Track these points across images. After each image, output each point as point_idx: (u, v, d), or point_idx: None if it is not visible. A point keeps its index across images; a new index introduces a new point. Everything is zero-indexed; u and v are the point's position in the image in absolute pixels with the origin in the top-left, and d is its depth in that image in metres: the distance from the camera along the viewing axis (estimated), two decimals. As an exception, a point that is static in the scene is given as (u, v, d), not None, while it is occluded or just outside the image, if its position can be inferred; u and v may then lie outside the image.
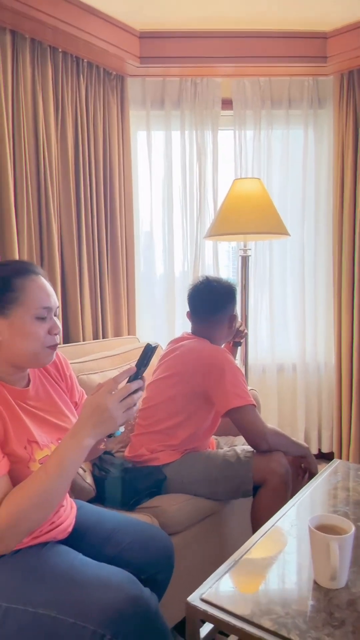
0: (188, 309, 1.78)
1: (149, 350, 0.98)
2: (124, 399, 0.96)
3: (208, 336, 1.72)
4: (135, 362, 0.98)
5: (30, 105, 2.08)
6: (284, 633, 0.82)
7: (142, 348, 1.00)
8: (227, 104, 2.66)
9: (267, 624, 0.84)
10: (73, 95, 2.25)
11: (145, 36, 2.43)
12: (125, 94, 2.47)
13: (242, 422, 1.55)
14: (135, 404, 0.98)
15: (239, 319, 1.95)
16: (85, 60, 2.28)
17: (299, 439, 2.74)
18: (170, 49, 2.45)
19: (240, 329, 1.92)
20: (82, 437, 0.95)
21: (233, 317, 1.75)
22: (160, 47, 2.45)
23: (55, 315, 1.08)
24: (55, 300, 1.08)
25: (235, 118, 2.64)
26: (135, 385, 0.97)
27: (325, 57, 2.56)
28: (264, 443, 1.54)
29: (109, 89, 2.41)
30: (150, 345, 0.97)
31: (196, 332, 1.75)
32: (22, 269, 1.05)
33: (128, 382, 0.98)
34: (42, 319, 1.03)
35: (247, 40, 2.49)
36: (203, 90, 2.59)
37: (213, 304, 1.70)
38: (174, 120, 2.61)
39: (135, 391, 0.98)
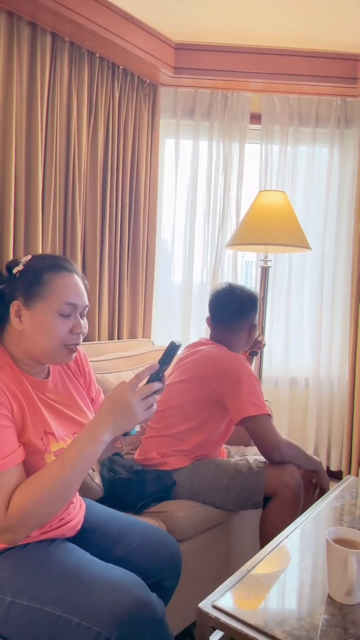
0: (208, 315, 1.77)
1: (172, 349, 0.96)
2: (145, 397, 0.96)
3: (227, 343, 1.71)
4: (158, 360, 0.97)
5: (65, 106, 2.12)
6: (297, 645, 0.80)
7: (165, 347, 0.98)
8: (255, 118, 2.69)
9: (280, 635, 0.82)
10: (107, 100, 2.29)
11: (181, 47, 2.47)
12: (157, 102, 2.51)
13: (256, 431, 1.53)
14: (154, 404, 0.98)
15: (258, 329, 1.94)
16: (121, 67, 2.33)
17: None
18: (204, 62, 2.49)
19: (259, 339, 1.91)
20: (100, 431, 0.94)
21: (253, 326, 1.74)
22: (194, 58, 2.49)
23: (82, 316, 1.07)
24: (85, 301, 1.06)
25: (263, 132, 2.67)
26: (157, 385, 0.97)
27: (355, 78, 2.58)
28: (277, 454, 1.52)
29: (142, 97, 2.45)
30: (174, 343, 0.96)
31: (215, 338, 1.75)
32: (54, 265, 1.05)
33: (149, 381, 0.97)
34: (65, 316, 1.02)
35: (278, 57, 2.53)
36: (233, 103, 2.62)
37: (235, 310, 1.69)
38: (203, 130, 2.64)
39: (156, 391, 0.98)
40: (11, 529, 0.93)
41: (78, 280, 1.07)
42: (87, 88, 2.20)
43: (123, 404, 0.94)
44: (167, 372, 1.82)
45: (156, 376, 0.97)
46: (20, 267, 1.05)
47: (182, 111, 2.62)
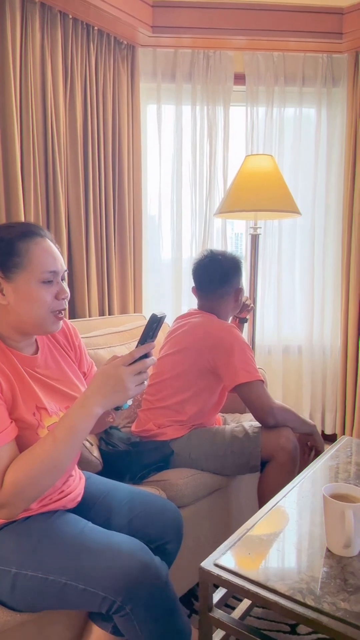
0: (193, 284, 1.76)
1: (154, 321, 0.93)
2: (138, 373, 0.95)
3: (214, 311, 1.70)
4: (141, 335, 0.95)
5: (39, 72, 2.03)
6: (299, 598, 0.82)
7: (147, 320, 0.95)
8: (239, 79, 2.60)
9: (281, 588, 0.84)
10: (83, 64, 2.19)
11: (158, 5, 2.36)
12: (135, 65, 2.42)
13: (249, 398, 1.54)
14: (146, 380, 0.97)
15: (246, 294, 1.93)
16: (96, 27, 2.22)
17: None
18: (183, 19, 2.39)
19: (246, 303, 1.91)
20: (92, 405, 0.93)
21: (239, 291, 1.73)
22: (173, 16, 2.39)
23: (63, 280, 1.05)
24: (62, 264, 1.05)
25: (248, 94, 2.59)
26: (149, 362, 0.95)
27: (340, 33, 2.50)
28: (271, 418, 1.53)
29: (120, 59, 2.36)
30: (156, 315, 0.93)
31: (202, 307, 1.74)
32: (26, 232, 1.02)
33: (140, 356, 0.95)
34: (48, 282, 1.01)
35: (261, 12, 2.43)
36: (215, 63, 2.53)
37: (219, 276, 1.68)
38: (185, 94, 2.56)
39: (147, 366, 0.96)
40: (7, 504, 0.92)
41: (51, 244, 1.04)
42: (61, 51, 2.10)
43: (115, 379, 0.93)
44: (156, 347, 1.83)
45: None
46: None
47: (163, 74, 2.53)
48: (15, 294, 0.99)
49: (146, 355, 0.95)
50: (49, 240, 1.04)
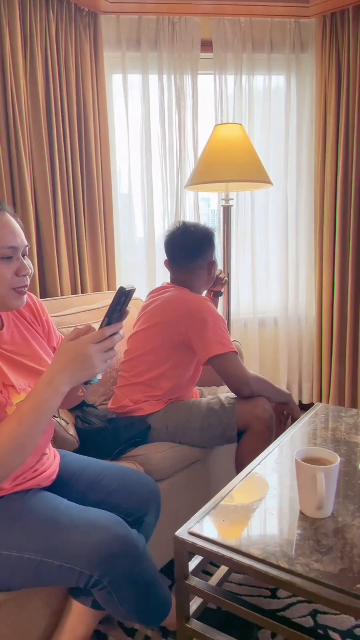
0: (166, 257, 1.73)
1: (123, 295, 0.89)
2: (107, 350, 0.92)
3: (187, 284, 1.68)
4: (109, 308, 0.91)
5: (-4, 41, 1.93)
6: (272, 560, 0.83)
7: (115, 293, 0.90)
8: (206, 45, 2.53)
9: (255, 552, 0.85)
10: (42, 33, 2.09)
11: (119, -32, 2.26)
12: (98, 33, 2.32)
13: (224, 369, 1.54)
14: (114, 356, 0.95)
15: (220, 267, 1.91)
16: (54, -7, 2.12)
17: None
18: (146, -17, 2.30)
19: (220, 276, 1.89)
20: (59, 383, 0.90)
21: (212, 264, 1.71)
22: (135, -20, 2.29)
23: (24, 256, 1.01)
24: (23, 239, 1.01)
25: (215, 61, 2.52)
26: (117, 338, 0.92)
27: (308, -3, 2.44)
28: (246, 388, 1.54)
29: (82, 27, 2.26)
30: (124, 288, 0.88)
31: (175, 280, 1.71)
32: None
33: (100, 327, 0.92)
34: (7, 259, 0.97)
35: (227, -24, 2.35)
36: (182, 30, 2.45)
37: (191, 249, 1.65)
38: (151, 62, 2.47)
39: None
40: None
41: (10, 218, 0.99)
42: (19, 21, 1.99)
43: (84, 356, 0.90)
44: (130, 323, 1.79)
45: (107, 324, 0.92)
46: None
47: (127, 42, 2.43)
48: None
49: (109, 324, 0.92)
50: (8, 215, 1.00)
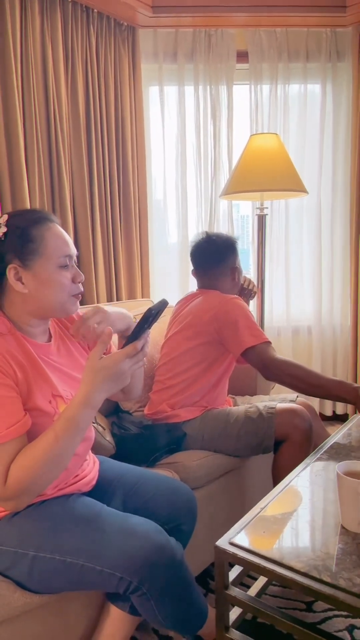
0: (192, 268, 1.77)
1: (150, 315, 0.95)
2: (137, 362, 0.97)
3: (214, 289, 1.72)
4: (137, 325, 0.96)
5: (40, 56, 2.00)
6: (315, 574, 0.82)
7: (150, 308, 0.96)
8: (242, 56, 2.55)
9: (297, 565, 0.84)
10: (83, 47, 2.16)
11: (158, -16, 2.31)
12: (136, 46, 2.37)
13: (261, 360, 1.50)
14: (144, 364, 1.00)
15: (245, 276, 1.93)
16: (95, 10, 2.18)
17: (315, 402, 2.74)
18: (183, -3, 2.34)
19: (249, 287, 1.90)
20: (96, 401, 0.95)
21: (235, 269, 1.74)
22: (173, -5, 2.33)
23: (75, 264, 1.07)
24: (74, 248, 1.07)
25: (251, 71, 2.54)
26: (147, 347, 0.98)
27: (344, 6, 2.43)
28: (286, 378, 1.48)
29: (120, 41, 2.32)
30: (152, 310, 0.94)
31: (202, 287, 1.76)
32: (38, 218, 1.02)
33: (127, 343, 0.96)
34: (64, 267, 1.02)
35: (262, -13, 2.37)
36: (217, 42, 2.48)
37: (214, 256, 1.70)
38: (187, 74, 2.51)
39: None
40: (12, 498, 0.94)
41: (61, 229, 1.05)
42: (61, 35, 2.07)
43: (119, 373, 0.94)
44: (161, 333, 1.83)
45: (133, 339, 0.96)
46: (3, 229, 1.01)
47: (164, 54, 2.48)
48: (35, 281, 1.00)
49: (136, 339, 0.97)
50: (58, 226, 1.05)
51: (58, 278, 1.01)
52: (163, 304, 0.97)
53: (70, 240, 1.06)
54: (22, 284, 1.00)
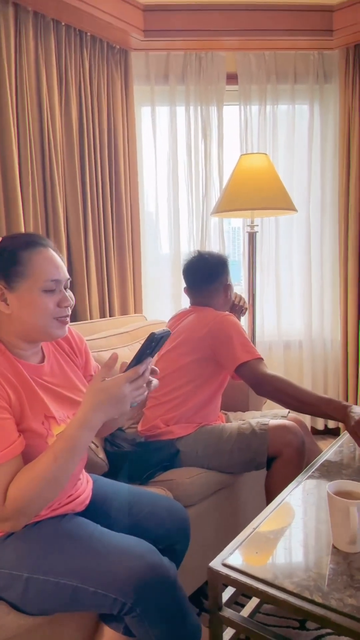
0: (185, 285, 1.80)
1: (153, 340, 0.94)
2: (138, 388, 0.97)
3: (207, 306, 1.74)
4: (139, 350, 0.95)
5: (34, 79, 2.04)
6: (306, 595, 0.84)
7: (148, 334, 0.95)
8: (232, 78, 2.61)
9: (289, 586, 0.86)
10: (77, 70, 2.21)
11: (150, 9, 2.37)
12: (129, 69, 2.43)
13: (254, 375, 1.53)
14: (146, 390, 0.99)
15: (236, 292, 1.96)
16: (88, 33, 2.23)
17: (306, 416, 2.76)
18: (175, 22, 2.40)
19: (240, 304, 1.93)
20: (94, 424, 0.95)
21: (228, 287, 1.78)
22: (165, 20, 2.39)
23: (66, 288, 1.06)
24: (65, 273, 1.06)
25: (240, 93, 2.60)
26: (147, 373, 0.98)
27: (331, 30, 2.51)
28: (280, 395, 1.50)
29: (113, 64, 2.37)
30: (155, 334, 0.93)
31: (195, 304, 1.79)
32: (28, 242, 1.03)
33: (129, 367, 0.97)
34: (50, 291, 1.02)
35: (252, 13, 2.44)
36: (208, 64, 2.54)
37: (207, 274, 1.73)
38: (179, 95, 2.57)
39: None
40: (10, 518, 0.94)
41: (54, 254, 1.05)
42: (55, 59, 2.11)
43: (119, 396, 0.95)
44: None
45: (136, 363, 0.97)
46: None
47: (156, 76, 2.54)
48: (19, 303, 1.01)
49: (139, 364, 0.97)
50: (51, 250, 1.05)
51: (41, 302, 1.01)
52: (167, 333, 0.96)
53: (61, 265, 1.05)
54: (7, 304, 1.01)
